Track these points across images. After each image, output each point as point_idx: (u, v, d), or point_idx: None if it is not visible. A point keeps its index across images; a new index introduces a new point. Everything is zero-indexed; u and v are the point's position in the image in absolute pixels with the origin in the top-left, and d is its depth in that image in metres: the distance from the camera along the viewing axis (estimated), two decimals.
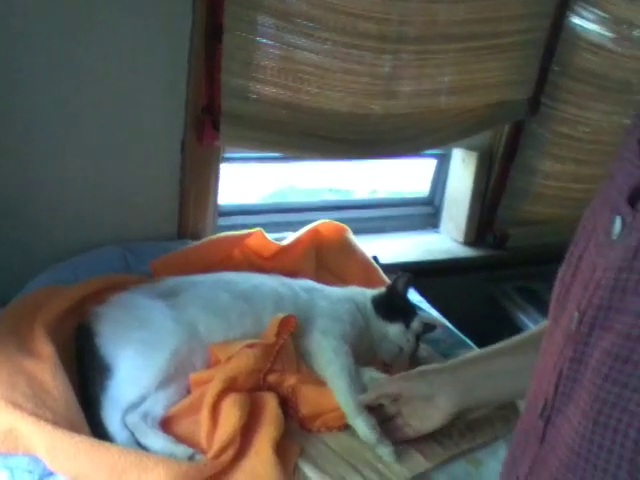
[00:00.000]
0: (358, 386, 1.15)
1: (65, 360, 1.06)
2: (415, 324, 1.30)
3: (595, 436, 0.48)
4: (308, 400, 1.13)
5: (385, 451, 1.06)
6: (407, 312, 1.32)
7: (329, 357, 1.18)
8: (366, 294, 1.37)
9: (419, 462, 1.07)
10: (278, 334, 1.15)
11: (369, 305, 1.33)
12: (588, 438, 0.49)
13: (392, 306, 1.32)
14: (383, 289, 1.38)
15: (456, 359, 1.12)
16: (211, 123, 1.40)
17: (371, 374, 1.19)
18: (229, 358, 1.12)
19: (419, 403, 1.09)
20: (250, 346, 1.14)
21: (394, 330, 1.29)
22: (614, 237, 0.50)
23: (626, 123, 2.13)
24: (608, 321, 0.49)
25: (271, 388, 1.14)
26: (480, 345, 1.46)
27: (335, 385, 1.15)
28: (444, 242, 2.16)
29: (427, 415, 1.09)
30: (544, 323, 0.97)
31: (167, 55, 1.35)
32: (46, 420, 0.92)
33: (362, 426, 1.08)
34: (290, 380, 1.14)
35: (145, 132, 1.42)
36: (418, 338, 1.32)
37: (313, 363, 1.21)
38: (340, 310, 1.29)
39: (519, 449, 0.62)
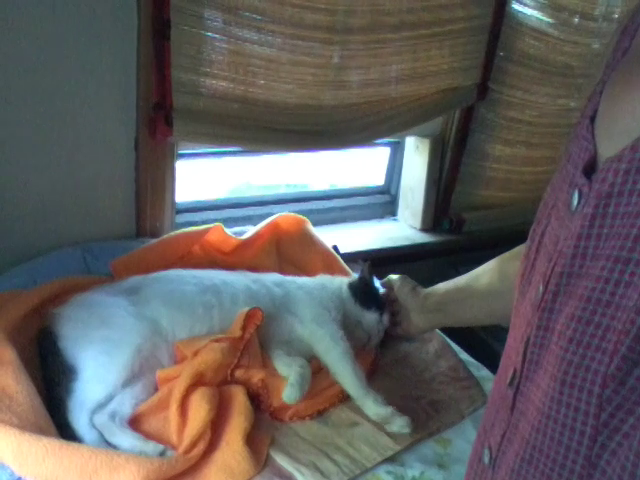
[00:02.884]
0: (360, 368, 1.18)
1: (28, 364, 1.04)
2: (385, 318, 1.32)
3: (563, 396, 0.50)
4: (279, 392, 1.13)
5: (401, 422, 1.10)
6: (380, 303, 1.34)
7: (328, 344, 1.20)
8: (335, 282, 1.38)
9: (389, 445, 1.09)
10: (244, 328, 1.15)
11: (345, 290, 1.35)
12: (556, 399, 0.51)
13: (368, 294, 1.34)
14: (355, 277, 1.40)
15: (427, 289, 1.32)
16: (163, 119, 1.39)
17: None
18: (195, 353, 1.12)
19: (404, 310, 1.32)
20: (217, 340, 1.13)
21: (369, 318, 1.31)
22: (573, 209, 0.52)
23: (570, 106, 2.19)
24: (571, 287, 0.51)
25: (238, 383, 1.14)
26: (441, 328, 1.50)
27: (339, 371, 1.17)
28: (402, 229, 2.18)
29: (409, 323, 1.33)
30: (494, 260, 1.20)
31: (115, 52, 1.33)
32: (11, 425, 0.90)
33: (373, 405, 1.12)
34: (257, 375, 1.13)
35: (97, 131, 1.40)
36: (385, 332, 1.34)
37: (314, 351, 1.22)
38: (320, 297, 1.30)
39: (489, 421, 0.64)
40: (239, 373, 1.14)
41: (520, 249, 1.15)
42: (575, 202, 0.52)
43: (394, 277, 1.38)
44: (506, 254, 1.20)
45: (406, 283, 1.36)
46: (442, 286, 1.31)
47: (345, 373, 1.16)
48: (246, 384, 1.14)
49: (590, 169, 0.52)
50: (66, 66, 1.30)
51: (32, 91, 1.28)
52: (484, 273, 1.22)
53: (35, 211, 1.39)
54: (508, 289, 1.10)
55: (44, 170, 1.37)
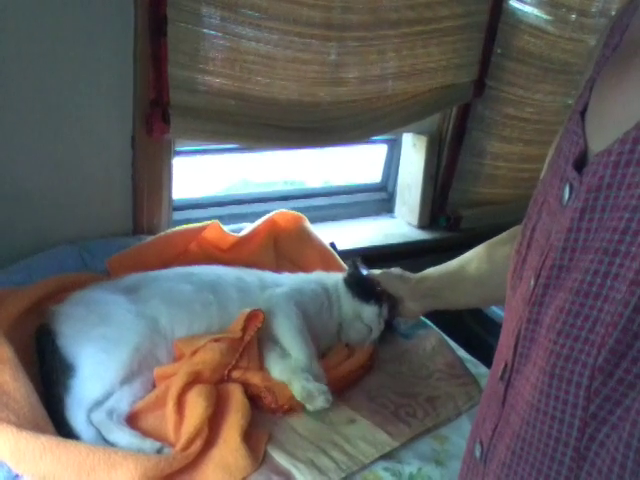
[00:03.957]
0: (312, 346, 1.19)
1: (26, 362, 1.04)
2: (384, 310, 1.32)
3: (552, 389, 0.51)
4: (284, 393, 1.13)
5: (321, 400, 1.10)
6: (378, 296, 1.33)
7: (281, 321, 1.20)
8: (332, 277, 1.39)
9: (386, 442, 1.09)
10: (244, 329, 1.15)
11: (341, 285, 1.35)
12: (545, 392, 0.51)
13: (365, 288, 1.34)
14: (348, 272, 1.40)
15: (419, 273, 1.34)
16: (160, 116, 1.38)
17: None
18: (194, 352, 1.12)
19: (398, 299, 1.34)
20: (216, 340, 1.13)
21: (369, 311, 1.30)
22: (564, 203, 0.53)
23: (568, 103, 2.19)
24: (560, 280, 0.52)
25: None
26: (439, 325, 1.50)
27: (290, 346, 1.17)
28: (399, 227, 2.18)
29: (402, 308, 1.34)
30: (481, 245, 1.21)
31: (112, 49, 1.33)
32: (9, 422, 0.89)
33: (298, 383, 1.11)
34: (254, 377, 1.13)
35: (94, 128, 1.39)
36: (386, 324, 1.34)
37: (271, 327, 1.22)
38: (304, 286, 1.30)
39: (482, 416, 0.65)
40: (236, 374, 1.14)
41: (507, 235, 1.16)
42: (566, 196, 0.52)
43: (376, 272, 1.39)
44: (493, 239, 1.22)
45: (391, 274, 1.36)
46: (433, 271, 1.32)
47: (295, 348, 1.16)
48: (243, 385, 1.13)
49: (581, 163, 0.52)
50: (62, 63, 1.29)
51: (28, 88, 1.28)
52: (473, 258, 1.24)
53: (32, 208, 1.39)
54: (496, 274, 1.13)
55: (41, 167, 1.37)
